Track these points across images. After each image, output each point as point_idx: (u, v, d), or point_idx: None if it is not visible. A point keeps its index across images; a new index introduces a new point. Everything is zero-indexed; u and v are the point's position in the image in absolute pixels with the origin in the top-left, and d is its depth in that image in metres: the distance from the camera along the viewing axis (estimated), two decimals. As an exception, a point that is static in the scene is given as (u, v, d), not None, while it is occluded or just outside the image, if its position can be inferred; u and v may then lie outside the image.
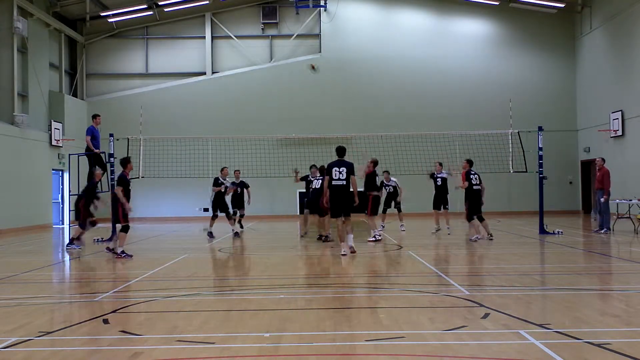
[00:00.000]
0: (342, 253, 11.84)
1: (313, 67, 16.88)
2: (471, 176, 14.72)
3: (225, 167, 17.73)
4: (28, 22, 23.06)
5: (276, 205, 27.58)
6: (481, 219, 14.84)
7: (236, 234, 17.39)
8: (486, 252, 13.05)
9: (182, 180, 23.32)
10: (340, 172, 11.74)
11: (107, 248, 13.34)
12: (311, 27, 28.84)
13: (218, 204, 16.98)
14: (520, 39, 28.51)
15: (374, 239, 14.64)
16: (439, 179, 17.42)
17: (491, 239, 14.71)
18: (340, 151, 12.03)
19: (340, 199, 11.80)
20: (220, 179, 17.20)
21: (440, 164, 17.87)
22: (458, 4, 28.55)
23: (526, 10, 28.21)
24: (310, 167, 16.83)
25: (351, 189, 11.94)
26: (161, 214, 27.30)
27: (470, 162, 15.01)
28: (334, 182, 11.76)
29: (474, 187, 14.67)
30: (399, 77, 28.06)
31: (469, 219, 14.69)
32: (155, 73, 28.88)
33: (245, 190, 19.20)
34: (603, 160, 16.91)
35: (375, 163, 14.96)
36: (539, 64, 28.42)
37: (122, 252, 12.28)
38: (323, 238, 14.85)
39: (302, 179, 17.31)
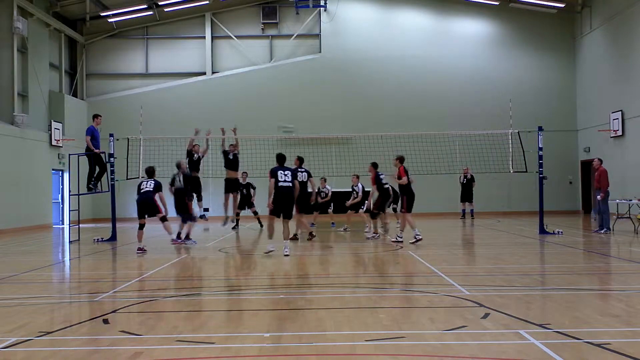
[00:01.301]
0: (269, 250, 12.25)
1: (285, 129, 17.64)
2: (381, 176, 15.84)
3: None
4: (28, 22, 23.06)
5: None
6: (375, 216, 15.98)
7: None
8: (486, 252, 13.07)
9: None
10: (285, 175, 12.31)
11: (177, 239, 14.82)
12: (311, 27, 28.84)
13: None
14: (520, 39, 28.50)
15: (414, 239, 14.15)
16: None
17: (377, 238, 15.72)
18: (282, 159, 12.66)
19: (286, 199, 12.27)
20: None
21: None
22: (458, 4, 28.55)
23: (526, 10, 28.21)
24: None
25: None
26: (161, 214, 27.25)
27: (375, 165, 15.95)
28: (281, 184, 12.24)
29: (384, 187, 15.79)
30: (399, 77, 28.06)
31: (373, 216, 15.92)
32: (155, 73, 28.87)
33: (252, 190, 20.01)
34: (600, 160, 16.91)
35: (400, 160, 14.74)
36: (539, 64, 28.41)
37: (183, 238, 14.31)
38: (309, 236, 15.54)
39: (224, 152, 17.32)
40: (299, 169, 14.88)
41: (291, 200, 12.42)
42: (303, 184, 14.64)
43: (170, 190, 15.11)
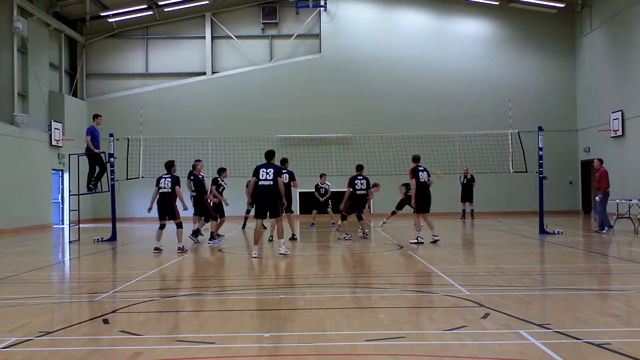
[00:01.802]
0: (253, 256, 11.82)
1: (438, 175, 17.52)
2: (356, 181, 15.72)
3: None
4: (28, 22, 23.06)
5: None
6: (360, 218, 15.99)
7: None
8: (486, 252, 13.07)
9: (182, 181, 23.28)
10: (267, 173, 11.88)
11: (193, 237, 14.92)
12: (311, 27, 28.83)
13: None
14: (520, 39, 28.50)
15: (416, 240, 14.10)
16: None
17: (366, 237, 15.88)
18: (269, 155, 12.26)
19: (266, 199, 11.89)
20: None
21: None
22: (458, 4, 28.55)
23: (526, 10, 28.22)
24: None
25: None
26: (161, 214, 27.25)
27: (358, 168, 16.09)
28: (261, 183, 11.88)
29: (357, 192, 15.66)
30: (399, 77, 28.06)
31: (343, 218, 16.07)
32: (155, 73, 28.87)
33: None
34: (600, 161, 16.89)
35: (413, 159, 14.47)
36: (539, 64, 28.41)
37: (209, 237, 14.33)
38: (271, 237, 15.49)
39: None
40: (282, 170, 14.73)
41: (272, 199, 11.88)
42: (286, 186, 14.42)
43: (189, 188, 15.37)
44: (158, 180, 13.46)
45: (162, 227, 13.48)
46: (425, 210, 14.35)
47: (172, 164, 13.66)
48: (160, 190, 13.30)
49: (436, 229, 14.56)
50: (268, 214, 12.17)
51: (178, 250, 13.16)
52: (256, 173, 11.97)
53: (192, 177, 15.43)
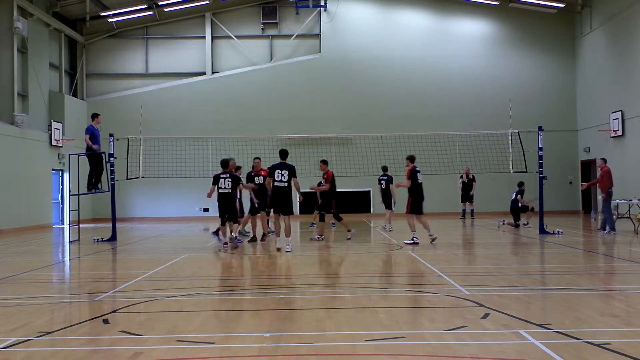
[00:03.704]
0: (278, 247, 12.72)
1: None
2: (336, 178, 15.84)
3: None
4: (28, 22, 23.06)
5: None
6: (340, 218, 15.92)
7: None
8: (486, 252, 13.07)
9: (182, 180, 23.33)
10: (282, 174, 12.59)
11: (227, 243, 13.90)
12: (311, 27, 28.83)
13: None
14: (520, 39, 28.50)
15: (411, 241, 13.97)
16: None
17: (321, 239, 15.55)
18: (283, 154, 12.98)
19: (281, 199, 12.69)
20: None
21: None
22: (458, 4, 28.55)
23: (526, 10, 28.21)
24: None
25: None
26: (161, 214, 27.31)
27: (325, 162, 16.06)
28: (276, 184, 12.63)
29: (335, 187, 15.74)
30: (399, 77, 28.05)
31: (338, 218, 15.87)
32: (155, 73, 28.87)
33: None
34: (603, 160, 16.85)
35: (410, 159, 14.41)
36: (539, 64, 28.41)
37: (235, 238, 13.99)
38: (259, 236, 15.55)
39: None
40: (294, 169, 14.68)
41: (287, 199, 12.66)
42: (262, 186, 14.99)
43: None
44: (216, 178, 13.61)
45: (223, 223, 13.73)
46: (419, 212, 14.29)
47: (228, 161, 13.86)
48: (220, 190, 13.52)
49: (431, 228, 14.51)
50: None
51: (223, 246, 13.54)
52: (272, 174, 12.67)
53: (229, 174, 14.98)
